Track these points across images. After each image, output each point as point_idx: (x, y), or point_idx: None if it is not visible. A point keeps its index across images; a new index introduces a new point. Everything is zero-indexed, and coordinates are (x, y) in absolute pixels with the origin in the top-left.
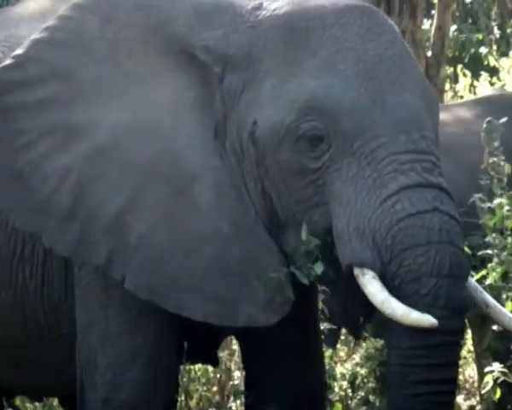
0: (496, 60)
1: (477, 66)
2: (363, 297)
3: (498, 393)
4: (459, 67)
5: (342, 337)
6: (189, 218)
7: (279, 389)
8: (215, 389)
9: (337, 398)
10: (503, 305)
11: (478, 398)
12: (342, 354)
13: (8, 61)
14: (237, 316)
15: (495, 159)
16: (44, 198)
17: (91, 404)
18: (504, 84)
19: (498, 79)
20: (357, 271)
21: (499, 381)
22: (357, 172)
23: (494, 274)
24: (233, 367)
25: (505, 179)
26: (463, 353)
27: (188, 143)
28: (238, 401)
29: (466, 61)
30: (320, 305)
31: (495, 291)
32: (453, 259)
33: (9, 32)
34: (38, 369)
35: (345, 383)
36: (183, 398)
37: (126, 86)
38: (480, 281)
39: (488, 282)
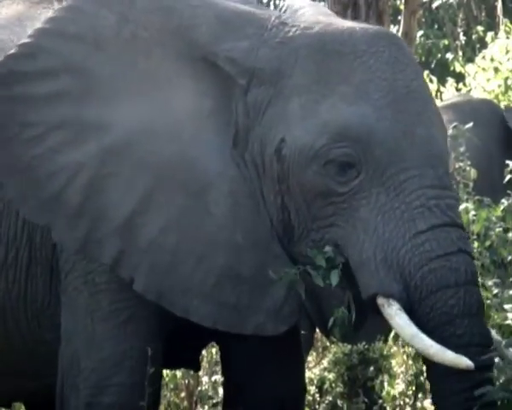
0: (462, 65)
1: (443, 71)
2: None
3: None
4: (426, 72)
5: None
6: (202, 224)
7: (260, 396)
8: (183, 394)
9: (305, 403)
10: None
11: None
12: (310, 358)
13: (16, 50)
14: (246, 324)
15: (461, 164)
16: (53, 193)
17: (72, 409)
18: (470, 90)
19: (464, 84)
20: (382, 301)
21: None
22: (386, 203)
23: None
24: (201, 373)
25: (471, 184)
26: None
27: (205, 150)
28: (206, 407)
29: (432, 66)
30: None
31: None
32: (478, 298)
33: None
34: (19, 375)
35: (313, 388)
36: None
37: (142, 87)
38: None
39: None
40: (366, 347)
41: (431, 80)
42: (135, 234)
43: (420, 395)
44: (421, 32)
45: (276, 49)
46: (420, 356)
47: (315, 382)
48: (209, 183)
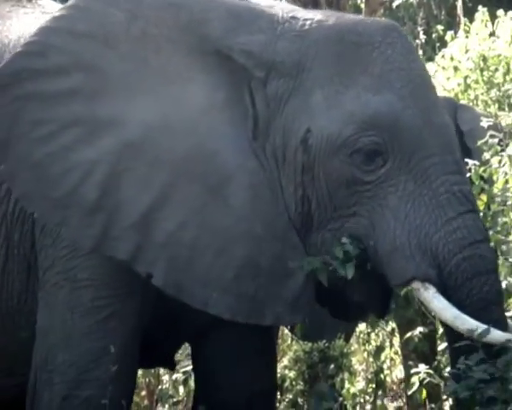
0: None
1: None
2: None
3: (424, 393)
4: None
5: None
6: (221, 217)
7: (231, 393)
8: (144, 393)
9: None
10: None
11: (405, 399)
12: None
13: (25, 48)
14: (264, 315)
15: None
16: (67, 191)
17: (45, 403)
18: None
19: None
20: (418, 285)
21: (425, 382)
22: (414, 190)
23: None
24: (162, 371)
25: None
26: (391, 355)
27: (222, 143)
28: (166, 406)
29: None
30: None
31: None
32: (501, 284)
33: None
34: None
35: None
36: None
37: (154, 84)
38: None
39: None
40: (326, 345)
41: None
42: (152, 229)
43: (380, 393)
44: None
45: (295, 42)
46: (380, 354)
47: None
48: (228, 175)
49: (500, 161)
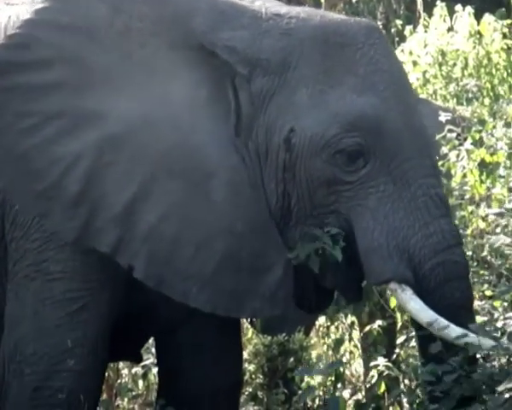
0: None
1: None
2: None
3: (383, 386)
4: None
5: None
6: (202, 212)
7: (196, 386)
8: (103, 387)
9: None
10: None
11: (364, 392)
12: None
13: (8, 41)
14: (243, 308)
15: None
16: (50, 183)
17: (15, 395)
18: None
19: None
20: (395, 286)
21: (384, 375)
22: (394, 192)
23: None
24: (121, 365)
25: None
26: (350, 348)
27: (204, 138)
28: (126, 399)
29: None
30: None
31: None
32: (471, 289)
33: None
34: None
35: None
36: None
37: (138, 78)
38: None
39: None
40: (286, 338)
41: None
42: (134, 222)
43: (339, 386)
44: None
45: (281, 40)
46: (339, 347)
47: None
48: (210, 171)
49: (458, 155)
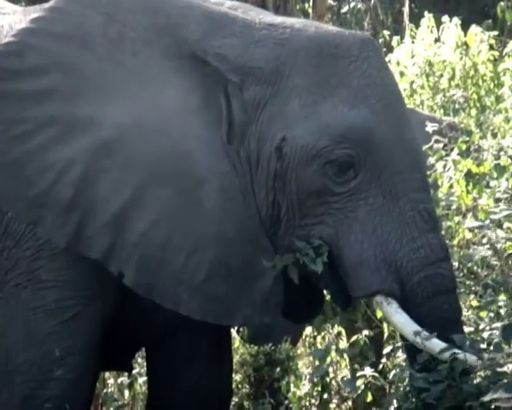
0: None
1: None
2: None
3: (370, 396)
4: None
5: None
6: (192, 219)
7: (186, 397)
8: None
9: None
10: None
11: (350, 403)
12: None
13: (3, 48)
14: (234, 316)
15: None
16: (42, 189)
17: (5, 403)
18: None
19: None
20: (382, 299)
21: (370, 385)
22: (383, 205)
23: None
24: (107, 375)
25: None
26: (336, 358)
27: (196, 146)
28: (111, 409)
29: None
30: None
31: None
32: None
33: None
34: None
35: None
36: None
37: (130, 85)
38: None
39: None
40: (273, 348)
41: None
42: (125, 228)
43: (325, 396)
44: None
45: (275, 49)
46: (326, 357)
47: None
48: (201, 178)
49: (445, 166)
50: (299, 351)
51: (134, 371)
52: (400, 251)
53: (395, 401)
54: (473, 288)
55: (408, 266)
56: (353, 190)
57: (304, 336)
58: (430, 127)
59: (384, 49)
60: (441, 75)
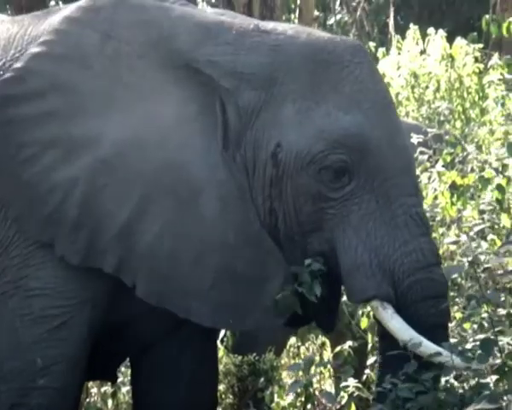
0: None
1: None
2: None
3: (353, 407)
4: None
5: None
6: (194, 228)
7: (171, 407)
8: None
9: None
10: None
11: None
12: None
13: (8, 75)
14: (245, 321)
15: None
16: (52, 209)
17: None
18: None
19: None
20: (377, 304)
21: (354, 395)
22: (376, 210)
23: None
24: (90, 384)
25: None
26: (320, 368)
27: (192, 155)
28: None
29: None
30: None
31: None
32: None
33: None
34: None
35: None
36: None
37: (127, 100)
38: None
39: None
40: (257, 358)
41: None
42: (132, 241)
43: (309, 407)
44: None
45: (268, 56)
46: (309, 368)
47: None
48: (198, 187)
49: (429, 178)
50: (282, 361)
51: (118, 381)
52: (393, 255)
53: None
54: (456, 300)
55: (400, 270)
56: (347, 196)
57: (288, 347)
58: (415, 139)
59: None
60: (426, 87)
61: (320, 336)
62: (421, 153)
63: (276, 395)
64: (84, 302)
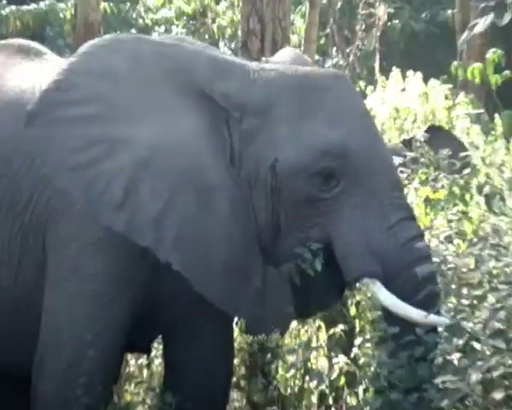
0: None
1: None
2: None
3: (342, 380)
4: None
5: None
6: (208, 221)
7: (197, 376)
8: None
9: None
10: None
11: (327, 384)
12: None
13: (52, 85)
14: (235, 307)
15: None
16: (97, 192)
17: (52, 373)
18: None
19: None
20: (368, 280)
21: (344, 370)
22: (364, 202)
23: None
24: (129, 357)
25: None
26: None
27: (206, 162)
28: (132, 385)
29: None
30: None
31: None
32: (432, 269)
33: None
34: (12, 351)
35: None
36: None
37: (154, 114)
38: None
39: None
40: (265, 338)
41: None
42: (163, 227)
43: (307, 378)
44: None
45: (265, 88)
46: (308, 347)
47: None
48: (211, 188)
49: (407, 193)
50: (286, 341)
51: (152, 354)
52: (381, 238)
53: (364, 383)
54: None
55: (389, 248)
56: (338, 194)
57: (290, 329)
58: (396, 160)
59: None
60: (405, 119)
61: (317, 320)
62: (401, 172)
63: (280, 369)
64: (129, 284)
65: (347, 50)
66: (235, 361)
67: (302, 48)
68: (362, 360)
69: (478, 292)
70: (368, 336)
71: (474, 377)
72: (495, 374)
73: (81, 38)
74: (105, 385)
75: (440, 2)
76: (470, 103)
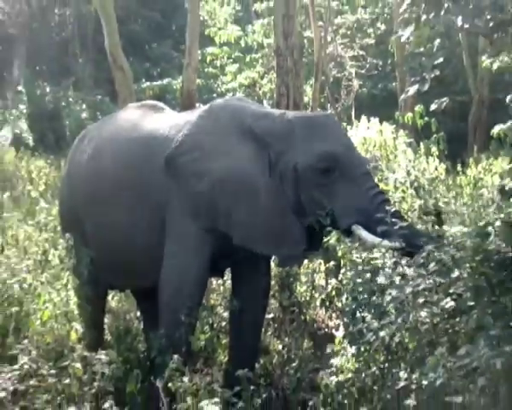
0: None
1: None
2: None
3: (333, 292)
4: None
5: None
6: (256, 209)
7: (250, 295)
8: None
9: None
10: None
11: (325, 295)
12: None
13: (178, 143)
14: (279, 250)
15: None
16: (199, 191)
17: (167, 294)
18: None
19: None
20: (354, 227)
21: (334, 287)
22: (350, 182)
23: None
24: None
25: None
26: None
27: (256, 174)
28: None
29: None
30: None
31: None
32: (401, 224)
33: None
34: (131, 275)
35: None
36: None
37: (226, 151)
38: None
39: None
40: (288, 269)
41: None
42: (230, 215)
43: (314, 292)
44: None
45: (286, 125)
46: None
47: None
48: (259, 189)
49: None
50: (301, 270)
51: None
52: (364, 202)
53: (345, 294)
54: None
55: (369, 207)
56: (334, 181)
57: (304, 263)
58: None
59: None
60: (369, 145)
61: (319, 259)
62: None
63: (298, 286)
64: (210, 242)
65: (336, 105)
66: (272, 282)
67: (310, 104)
68: (344, 282)
69: None
70: (348, 268)
71: None
72: None
73: (185, 99)
74: (198, 296)
75: (389, 78)
76: (406, 136)
